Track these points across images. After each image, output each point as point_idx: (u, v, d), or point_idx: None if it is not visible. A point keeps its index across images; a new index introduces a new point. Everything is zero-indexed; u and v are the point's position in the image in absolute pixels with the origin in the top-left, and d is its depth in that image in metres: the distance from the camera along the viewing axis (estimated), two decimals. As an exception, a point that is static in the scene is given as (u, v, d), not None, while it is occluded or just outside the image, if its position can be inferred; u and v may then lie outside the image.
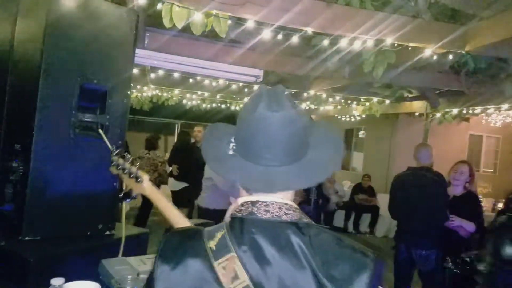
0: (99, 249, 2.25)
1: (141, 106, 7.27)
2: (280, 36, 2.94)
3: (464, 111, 5.10)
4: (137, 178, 1.63)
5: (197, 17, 2.39)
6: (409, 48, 3.12)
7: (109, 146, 1.85)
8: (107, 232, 2.40)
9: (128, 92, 2.55)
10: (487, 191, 8.51)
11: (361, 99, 6.81)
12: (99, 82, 2.21)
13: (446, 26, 2.86)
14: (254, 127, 0.93)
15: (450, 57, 3.31)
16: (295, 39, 2.98)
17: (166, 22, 2.37)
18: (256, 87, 5.58)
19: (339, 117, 9.51)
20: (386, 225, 7.44)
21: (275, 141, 0.92)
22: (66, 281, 1.47)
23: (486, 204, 6.85)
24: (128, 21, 2.33)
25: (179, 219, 1.60)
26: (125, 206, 7.39)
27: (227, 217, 0.97)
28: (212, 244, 0.90)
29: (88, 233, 2.28)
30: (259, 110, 0.91)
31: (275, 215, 0.91)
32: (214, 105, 7.49)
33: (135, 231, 2.89)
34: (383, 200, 7.55)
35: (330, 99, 6.85)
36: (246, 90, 5.89)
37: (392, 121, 8.90)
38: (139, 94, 6.88)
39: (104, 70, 2.24)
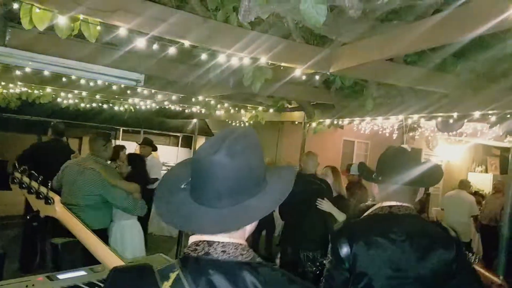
0: None
1: (7, 103, 6.45)
2: (156, 46, 2.88)
3: (335, 122, 5.66)
4: (47, 199, 1.53)
5: (62, 20, 2.20)
6: (281, 68, 3.33)
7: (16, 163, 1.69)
8: None
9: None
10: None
11: (248, 107, 7.06)
12: None
13: (313, 49, 3.12)
14: (194, 167, 0.97)
15: (317, 77, 3.63)
16: (172, 50, 2.95)
17: (25, 24, 2.13)
18: (140, 89, 5.36)
19: (229, 122, 9.72)
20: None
21: (208, 183, 0.94)
22: None
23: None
24: (-25, 16, 2.06)
25: (96, 244, 1.52)
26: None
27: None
28: (166, 285, 0.90)
29: None
30: (198, 151, 0.96)
31: (232, 255, 0.94)
32: (94, 104, 6.98)
33: (-17, 254, 2.57)
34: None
35: (219, 105, 6.95)
36: (128, 92, 5.61)
37: (278, 127, 9.44)
38: (4, 91, 6.10)
39: None
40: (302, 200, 3.86)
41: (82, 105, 6.77)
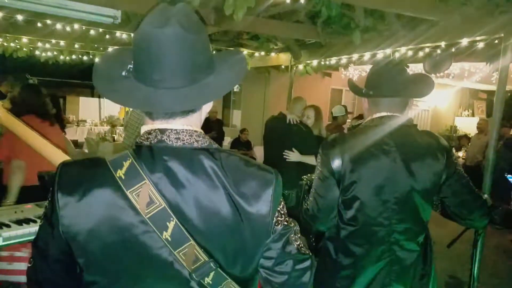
0: None
1: (-17, 60, 6.20)
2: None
3: (322, 63, 5.56)
4: None
5: None
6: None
7: None
8: None
9: None
10: (345, 137, 9.67)
11: (233, 52, 6.88)
12: None
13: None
14: (139, 45, 0.87)
15: (302, 1, 3.50)
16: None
17: None
18: (118, 33, 5.15)
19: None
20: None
21: (161, 60, 0.85)
22: None
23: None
24: None
25: (44, 144, 1.49)
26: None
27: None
28: (120, 173, 0.87)
29: None
30: (142, 26, 0.85)
31: (187, 142, 0.91)
32: (74, 57, 6.72)
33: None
34: (259, 152, 8.05)
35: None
36: (107, 36, 5.38)
37: (264, 75, 9.32)
38: (-21, 46, 5.83)
39: None
40: (281, 142, 3.85)
41: (62, 57, 6.51)
